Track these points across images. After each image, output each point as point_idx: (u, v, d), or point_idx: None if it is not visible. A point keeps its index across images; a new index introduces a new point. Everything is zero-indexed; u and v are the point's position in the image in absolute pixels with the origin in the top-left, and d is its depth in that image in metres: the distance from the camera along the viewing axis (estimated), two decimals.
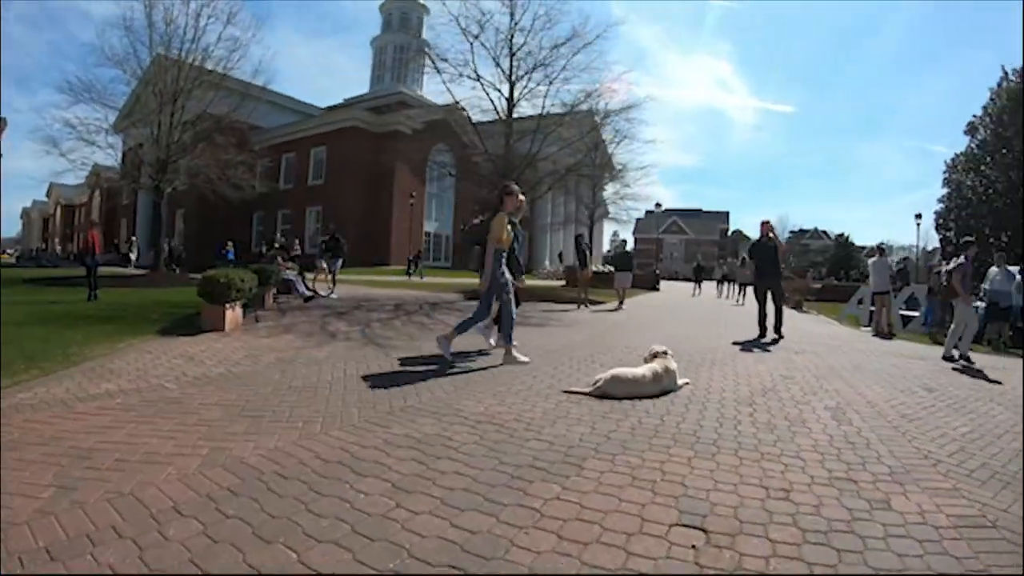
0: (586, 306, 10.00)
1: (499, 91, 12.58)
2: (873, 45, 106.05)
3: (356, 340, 5.07)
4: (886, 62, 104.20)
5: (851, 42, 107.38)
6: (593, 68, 12.46)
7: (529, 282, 12.30)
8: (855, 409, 3.17)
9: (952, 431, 2.83)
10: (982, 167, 22.29)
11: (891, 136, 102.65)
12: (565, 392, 3.16)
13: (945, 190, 25.20)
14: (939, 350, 5.85)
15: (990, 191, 21.63)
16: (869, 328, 8.84)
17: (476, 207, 13.82)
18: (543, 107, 12.78)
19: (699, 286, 18.42)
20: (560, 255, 27.88)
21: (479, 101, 12.73)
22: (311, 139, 27.84)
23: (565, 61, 12.24)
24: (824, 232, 63.89)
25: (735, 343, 5.99)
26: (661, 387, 3.21)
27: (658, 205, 24.96)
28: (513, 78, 12.43)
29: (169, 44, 13.69)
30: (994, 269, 8.12)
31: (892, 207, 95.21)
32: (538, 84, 12.46)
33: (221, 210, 17.32)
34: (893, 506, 1.84)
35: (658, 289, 20.08)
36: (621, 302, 10.56)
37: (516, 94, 12.56)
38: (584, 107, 12.97)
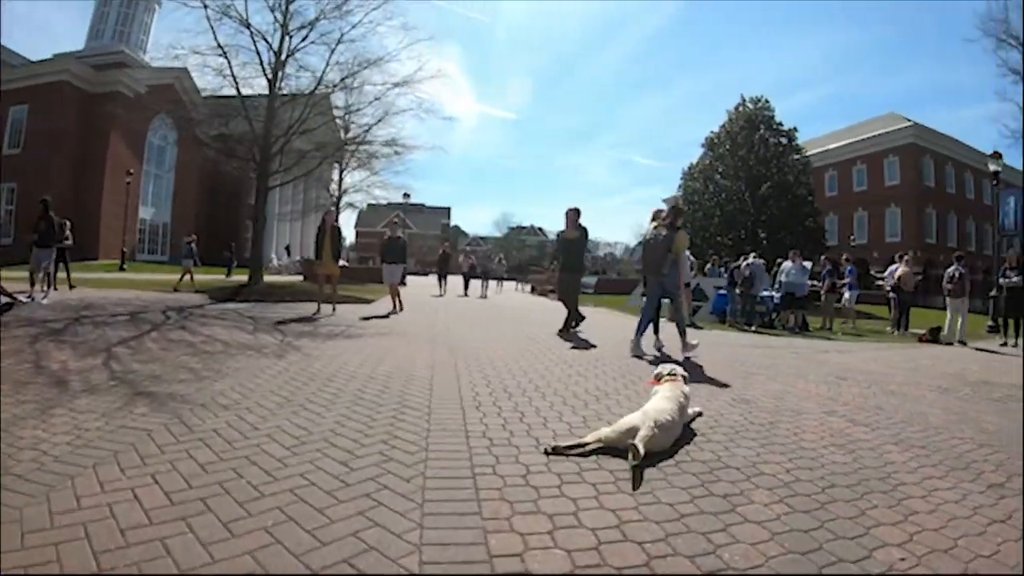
0: (332, 309, 9.46)
1: (267, 42, 12.37)
2: (594, 67, 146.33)
3: (104, 390, 3.47)
4: (604, 83, 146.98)
5: (575, 62, 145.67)
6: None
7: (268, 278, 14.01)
8: None
9: None
10: (716, 176, 30.81)
11: (597, 147, 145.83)
12: (556, 452, 2.70)
13: (680, 194, 33.73)
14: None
15: (722, 196, 30.08)
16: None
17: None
18: (320, 78, 12.87)
19: (444, 281, 18.98)
20: (288, 248, 26.68)
21: (240, 62, 12.35)
22: (9, 94, 24.86)
23: (341, 32, 12.63)
24: (540, 228, 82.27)
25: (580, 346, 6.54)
26: (684, 421, 3.07)
27: (406, 196, 26.82)
28: (286, 32, 12.36)
29: None
30: (788, 263, 11.07)
31: (598, 208, 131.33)
32: (312, 42, 12.66)
33: None
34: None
35: (404, 284, 22.06)
36: (396, 303, 10.15)
37: (288, 47, 12.51)
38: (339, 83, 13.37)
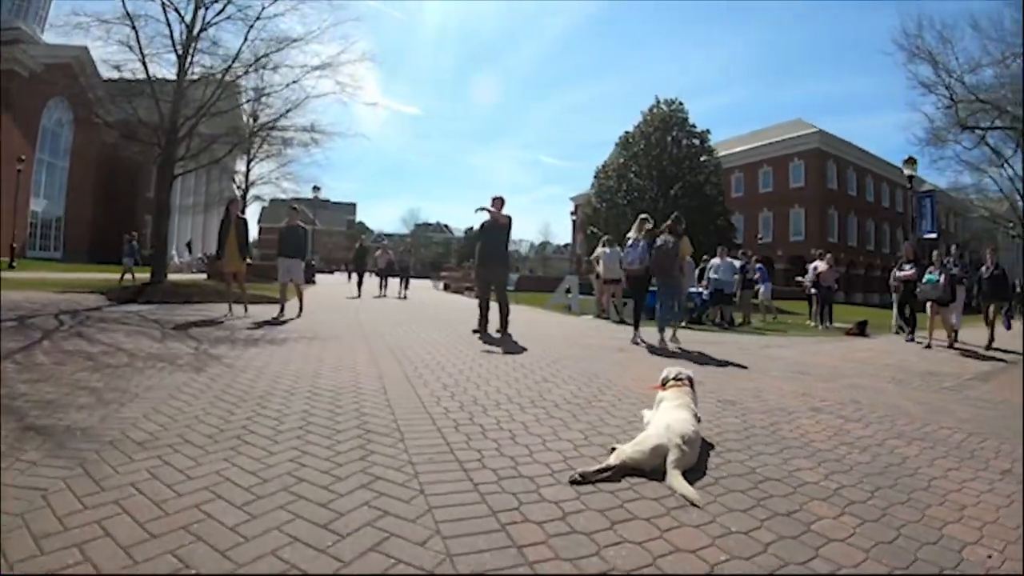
0: (245, 309, 8.98)
1: (179, 14, 11.82)
2: (507, 65, 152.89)
3: None
4: (515, 81, 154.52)
5: (487, 57, 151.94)
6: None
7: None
8: None
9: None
10: (630, 174, 32.99)
11: (505, 146, 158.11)
12: (585, 479, 2.39)
13: (594, 191, 35.94)
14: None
15: (635, 194, 32.26)
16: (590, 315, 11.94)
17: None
18: (236, 56, 12.47)
19: (357, 278, 18.02)
20: (189, 244, 25.42)
21: (148, 36, 11.77)
22: None
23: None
24: (446, 226, 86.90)
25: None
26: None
27: (317, 189, 26.17)
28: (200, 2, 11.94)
29: None
30: (716, 260, 11.60)
31: (511, 204, 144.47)
32: (229, 17, 12.19)
33: None
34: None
35: (314, 281, 21.81)
36: (285, 305, 9.25)
37: (202, 20, 12.05)
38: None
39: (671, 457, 2.43)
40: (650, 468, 2.44)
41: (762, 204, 42.38)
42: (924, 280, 8.93)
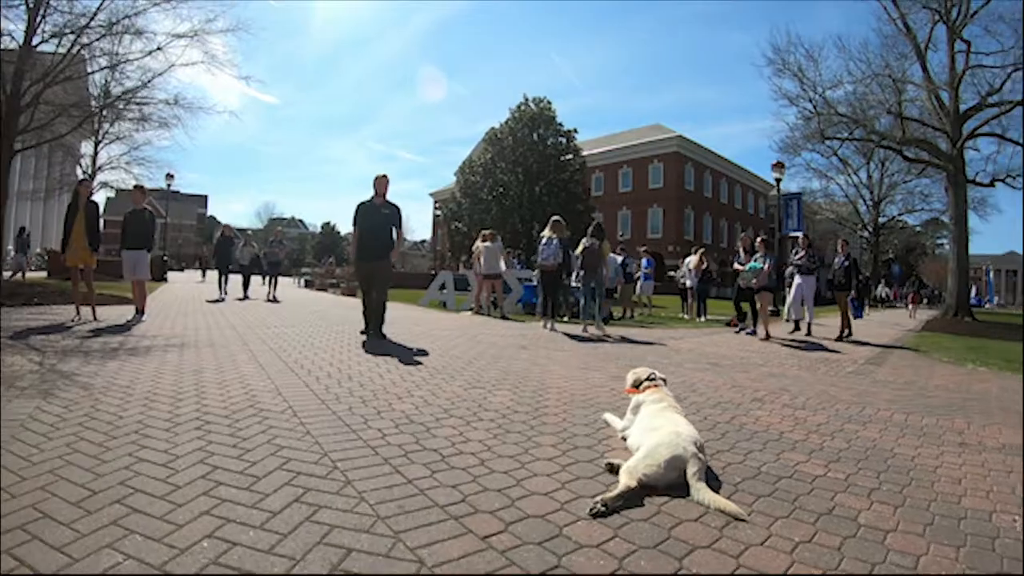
0: (93, 313, 7.95)
1: None
2: (369, 56, 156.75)
3: None
4: (373, 73, 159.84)
5: (350, 47, 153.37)
6: None
7: None
8: None
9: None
10: (496, 170, 34.78)
11: (363, 139, 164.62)
12: (610, 509, 2.06)
13: (458, 186, 37.91)
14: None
15: (499, 189, 34.16)
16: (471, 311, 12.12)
17: None
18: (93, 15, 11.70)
19: (219, 275, 15.82)
20: (28, 237, 21.75)
21: None
22: None
23: None
24: (301, 220, 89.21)
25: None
26: None
27: (171, 176, 25.10)
28: None
29: None
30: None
31: (359, 200, 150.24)
32: None
33: None
34: None
35: (166, 279, 21.48)
36: (138, 304, 8.50)
37: None
38: None
39: (692, 469, 2.22)
40: (665, 484, 2.21)
41: (621, 203, 46.02)
42: (747, 267, 9.43)
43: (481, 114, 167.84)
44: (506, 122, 36.13)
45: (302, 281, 26.93)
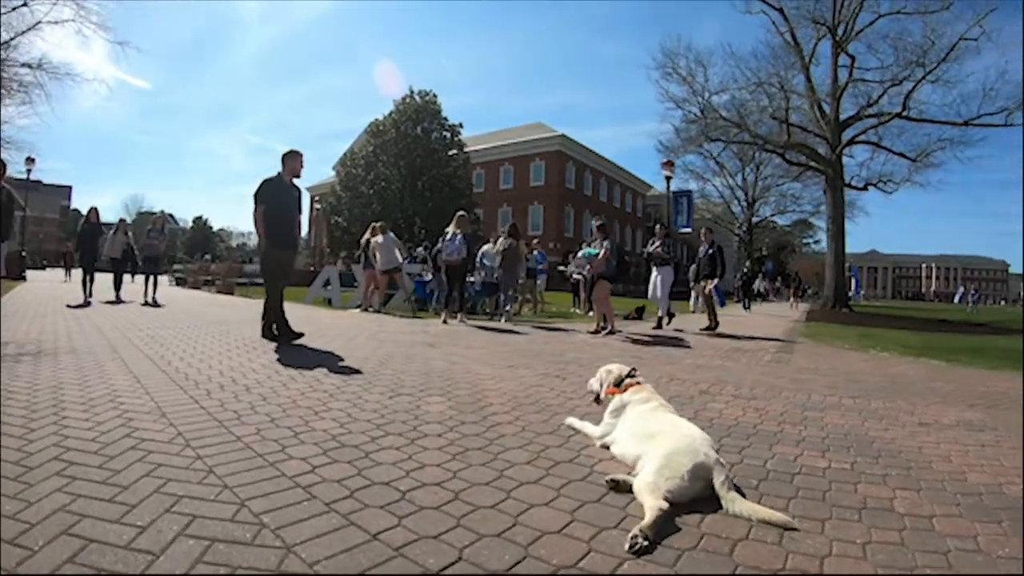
0: None
1: None
2: (250, 44, 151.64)
3: None
4: (251, 62, 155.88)
5: (224, 36, 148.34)
6: None
7: None
8: None
9: None
10: (378, 164, 34.76)
11: (238, 131, 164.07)
12: (649, 542, 1.75)
13: (338, 180, 37.82)
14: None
15: (381, 183, 34.07)
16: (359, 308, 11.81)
17: None
18: None
19: (84, 273, 12.91)
20: None
21: None
22: None
23: None
24: (172, 215, 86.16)
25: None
26: None
27: (31, 160, 23.36)
28: None
29: None
30: (488, 246, 11.95)
31: (234, 195, 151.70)
32: None
33: None
34: None
35: (24, 277, 20.35)
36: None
37: None
38: None
39: (719, 478, 2.01)
40: (690, 498, 1.97)
41: (502, 200, 46.91)
42: (581, 253, 9.36)
43: (362, 108, 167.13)
44: (390, 114, 36.32)
45: (174, 279, 26.15)
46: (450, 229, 9.59)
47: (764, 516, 1.86)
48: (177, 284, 23.97)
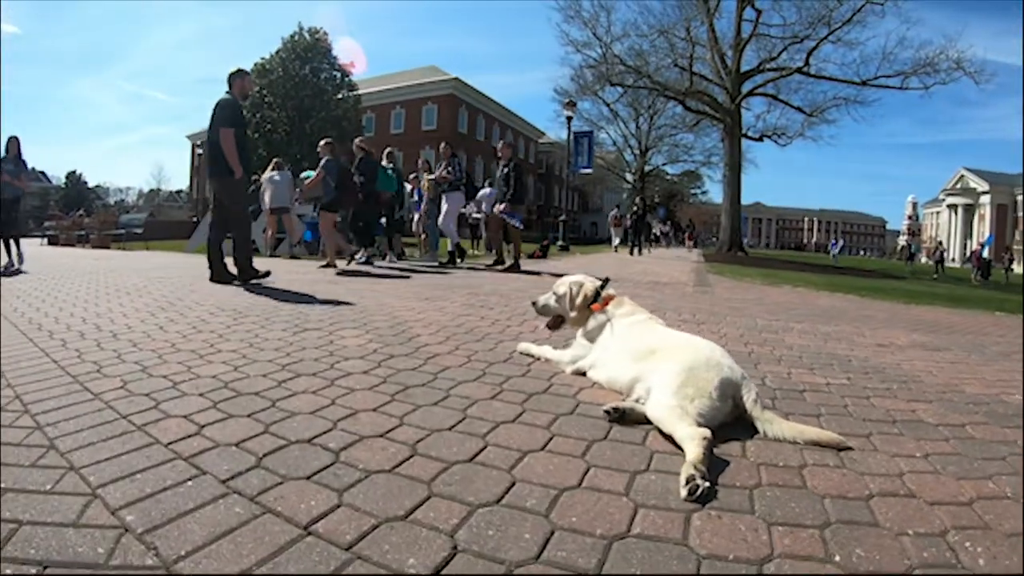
0: None
1: None
2: None
3: None
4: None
5: None
6: None
7: None
8: None
9: None
10: (264, 106, 32.19)
11: (110, 76, 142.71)
12: (709, 482, 1.35)
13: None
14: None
15: (267, 126, 31.95)
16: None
17: None
18: None
19: None
20: None
21: None
22: None
23: None
24: (43, 173, 76.90)
25: None
26: None
27: None
28: None
29: None
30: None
31: (108, 148, 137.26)
32: None
33: None
34: None
35: None
36: None
37: None
38: None
39: (750, 395, 1.70)
40: (720, 421, 1.62)
41: (393, 144, 45.00)
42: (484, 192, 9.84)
43: (244, 49, 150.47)
44: (277, 53, 33.73)
45: (45, 237, 24.26)
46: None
47: (812, 437, 1.55)
48: (50, 244, 21.87)
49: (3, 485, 1.22)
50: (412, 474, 1.33)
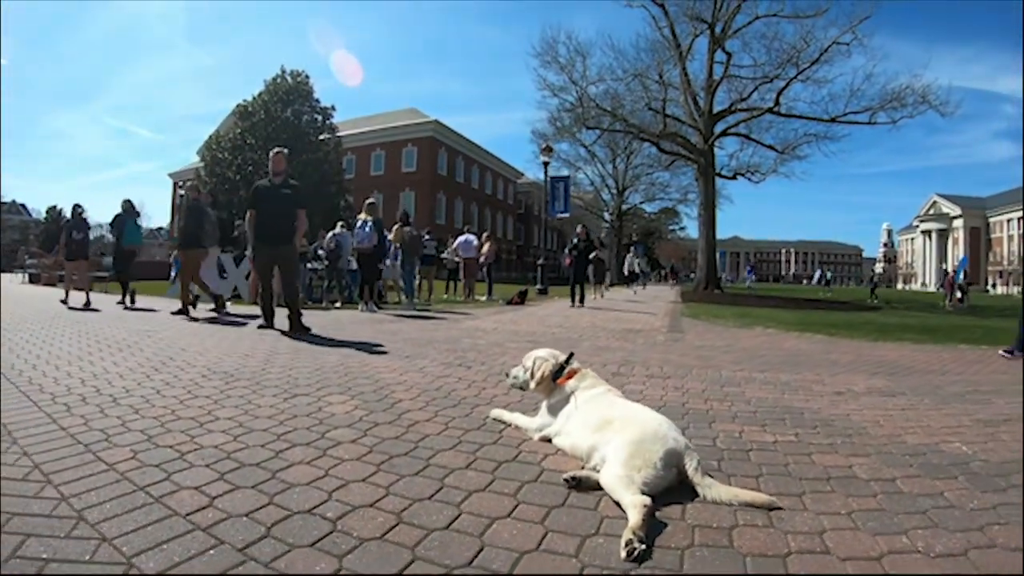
0: None
1: None
2: (102, 16, 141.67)
3: None
4: (109, 36, 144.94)
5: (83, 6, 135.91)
6: None
7: None
8: None
9: None
10: (246, 147, 33.14)
11: (93, 111, 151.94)
12: (645, 544, 1.58)
13: (203, 164, 36.33)
14: None
15: (249, 168, 32.20)
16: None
17: None
18: None
19: None
20: None
21: None
22: None
23: None
24: (23, 206, 78.43)
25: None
26: None
27: None
28: None
29: None
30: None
31: (89, 184, 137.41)
32: None
33: None
34: None
35: None
36: None
37: None
38: None
39: (692, 463, 1.91)
40: (663, 488, 1.83)
41: (373, 186, 46.02)
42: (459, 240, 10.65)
43: (230, 87, 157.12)
44: (259, 95, 34.97)
45: (26, 276, 24.79)
46: (362, 216, 9.97)
47: (746, 499, 1.77)
48: (31, 281, 22.61)
49: (45, 556, 1.40)
50: (398, 540, 1.55)
